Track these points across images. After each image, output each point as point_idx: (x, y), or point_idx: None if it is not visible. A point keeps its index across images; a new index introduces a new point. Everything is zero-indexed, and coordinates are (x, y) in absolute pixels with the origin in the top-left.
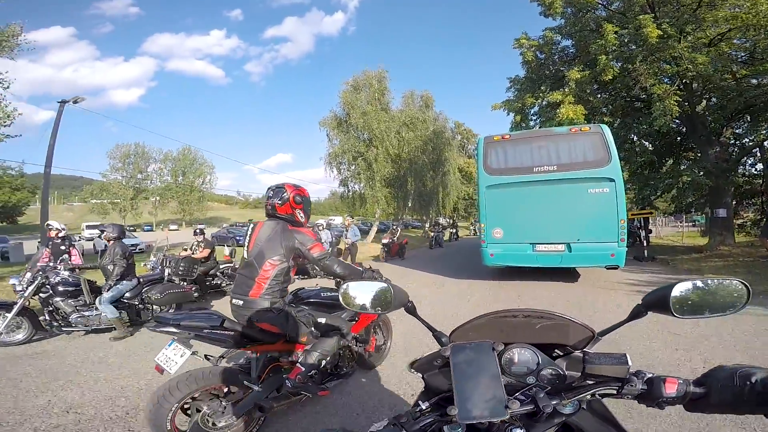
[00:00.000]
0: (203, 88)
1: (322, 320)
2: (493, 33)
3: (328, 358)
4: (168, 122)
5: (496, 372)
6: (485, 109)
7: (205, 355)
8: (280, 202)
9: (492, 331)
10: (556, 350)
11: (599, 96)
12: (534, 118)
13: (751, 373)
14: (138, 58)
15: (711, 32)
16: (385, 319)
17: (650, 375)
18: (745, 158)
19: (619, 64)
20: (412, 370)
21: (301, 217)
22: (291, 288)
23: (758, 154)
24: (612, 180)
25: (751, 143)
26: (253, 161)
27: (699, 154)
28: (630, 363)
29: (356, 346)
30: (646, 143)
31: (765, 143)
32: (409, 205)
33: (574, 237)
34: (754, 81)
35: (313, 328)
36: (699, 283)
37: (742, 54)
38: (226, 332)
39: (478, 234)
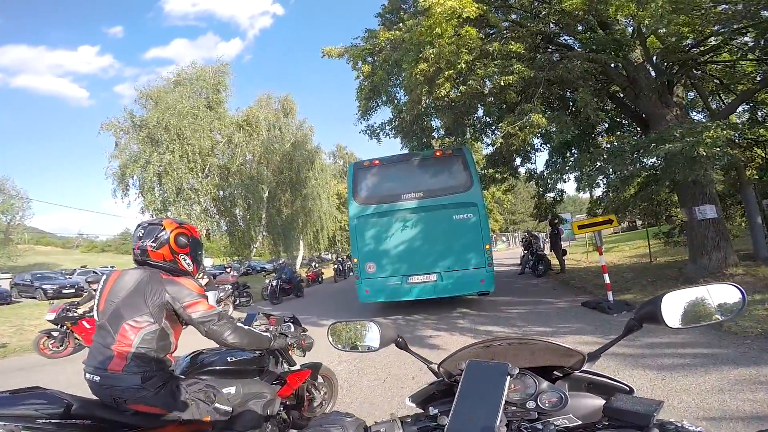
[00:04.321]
0: (59, 110)
1: (231, 390)
2: None
3: None
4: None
5: (500, 396)
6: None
7: None
8: (154, 244)
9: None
10: (554, 372)
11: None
12: (389, 62)
13: None
14: None
15: None
16: (329, 375)
17: (679, 425)
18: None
19: None
20: (411, 403)
21: (188, 264)
22: (182, 353)
23: None
24: (474, 204)
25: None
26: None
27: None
28: (657, 411)
29: (284, 413)
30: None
31: None
32: (259, 238)
33: (444, 266)
34: None
35: (217, 404)
36: (690, 292)
37: None
38: (77, 421)
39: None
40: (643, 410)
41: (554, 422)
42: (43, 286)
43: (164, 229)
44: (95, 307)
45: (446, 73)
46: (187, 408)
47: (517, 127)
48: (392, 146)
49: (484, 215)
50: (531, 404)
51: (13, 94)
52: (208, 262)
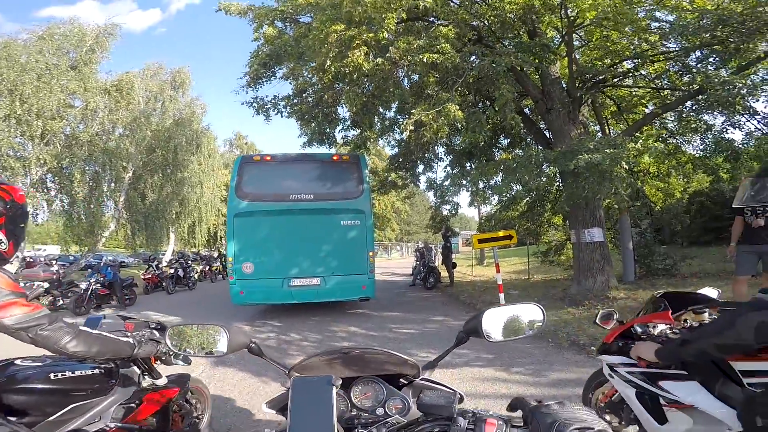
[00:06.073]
0: None
1: None
2: None
3: None
4: None
5: (330, 407)
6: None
7: None
8: None
9: (334, 367)
10: (401, 379)
11: None
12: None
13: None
14: None
15: None
16: (201, 386)
17: (477, 413)
18: None
19: None
20: (268, 409)
21: (1, 243)
22: None
23: None
24: (362, 212)
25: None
26: None
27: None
28: (457, 401)
29: None
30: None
31: None
32: (111, 225)
33: (328, 270)
34: None
35: None
36: (504, 310)
37: None
38: None
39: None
40: (444, 402)
41: (388, 422)
42: None
43: None
44: None
45: (364, 36)
46: None
47: (431, 116)
48: (284, 126)
49: (370, 224)
50: (380, 411)
51: None
52: (55, 250)
